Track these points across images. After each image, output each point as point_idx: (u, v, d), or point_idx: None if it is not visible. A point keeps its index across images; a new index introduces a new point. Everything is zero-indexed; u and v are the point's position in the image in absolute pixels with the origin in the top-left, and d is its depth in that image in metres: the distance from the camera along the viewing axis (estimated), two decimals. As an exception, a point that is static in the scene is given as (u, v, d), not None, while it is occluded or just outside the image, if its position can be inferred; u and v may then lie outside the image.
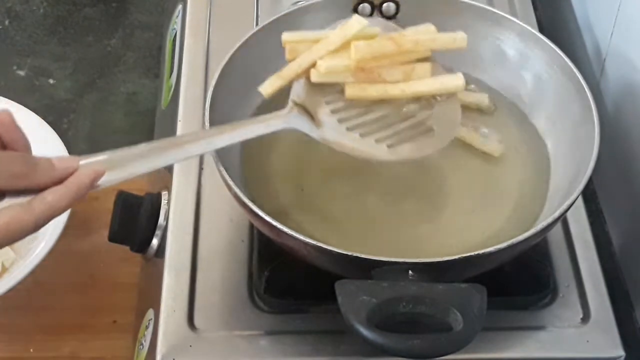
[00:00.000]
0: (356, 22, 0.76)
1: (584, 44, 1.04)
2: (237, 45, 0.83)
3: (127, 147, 0.67)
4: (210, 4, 1.05)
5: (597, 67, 1.00)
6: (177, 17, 1.08)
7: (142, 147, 0.68)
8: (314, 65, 0.76)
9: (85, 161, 0.65)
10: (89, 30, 1.54)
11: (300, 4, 0.88)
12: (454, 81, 0.77)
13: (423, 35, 0.78)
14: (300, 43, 0.77)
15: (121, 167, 0.66)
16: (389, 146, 0.74)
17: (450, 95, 0.78)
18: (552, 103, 0.85)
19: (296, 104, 0.75)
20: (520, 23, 0.87)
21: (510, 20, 0.87)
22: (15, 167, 0.62)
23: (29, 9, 1.56)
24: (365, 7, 0.90)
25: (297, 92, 0.76)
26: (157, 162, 0.68)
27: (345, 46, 0.76)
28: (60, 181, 0.64)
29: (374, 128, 0.75)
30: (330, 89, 0.76)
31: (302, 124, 0.74)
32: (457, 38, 0.78)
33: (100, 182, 0.65)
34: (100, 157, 0.66)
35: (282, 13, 0.87)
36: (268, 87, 0.77)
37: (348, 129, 0.74)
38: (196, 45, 1.01)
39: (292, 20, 0.86)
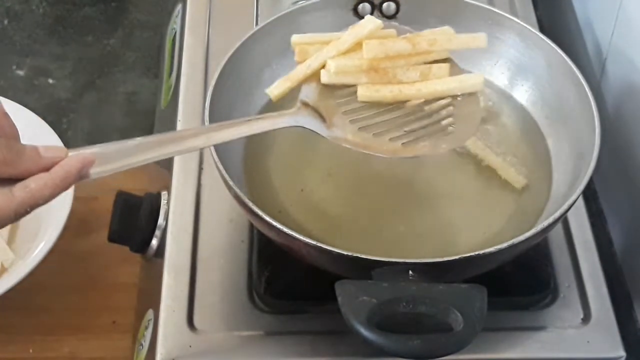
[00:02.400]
0: (369, 22, 0.75)
1: (585, 44, 1.03)
2: (237, 45, 0.83)
3: (124, 140, 0.65)
4: (210, 3, 1.05)
5: (597, 67, 1.00)
6: (176, 16, 1.08)
7: (139, 140, 0.66)
8: (324, 66, 0.75)
9: (74, 152, 0.63)
10: (89, 30, 1.54)
11: (300, 4, 0.88)
12: (473, 80, 0.76)
13: (440, 35, 0.76)
14: (310, 45, 0.76)
15: (114, 160, 0.64)
16: (403, 144, 0.72)
17: (470, 95, 0.76)
18: (553, 103, 0.85)
19: (306, 104, 0.74)
20: (521, 23, 0.87)
21: (511, 19, 0.87)
22: None
23: (29, 8, 1.56)
24: (365, 6, 0.90)
25: (307, 93, 0.74)
26: (153, 155, 0.66)
27: (357, 47, 0.74)
28: (46, 170, 0.62)
29: (388, 128, 0.73)
30: (343, 92, 0.75)
31: (310, 123, 0.73)
32: (477, 37, 0.77)
33: (92, 172, 0.63)
34: (93, 149, 0.64)
35: (282, 13, 0.87)
36: (275, 90, 0.76)
37: (360, 129, 0.73)
38: (196, 45, 1.00)
39: (292, 20, 0.86)
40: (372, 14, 0.90)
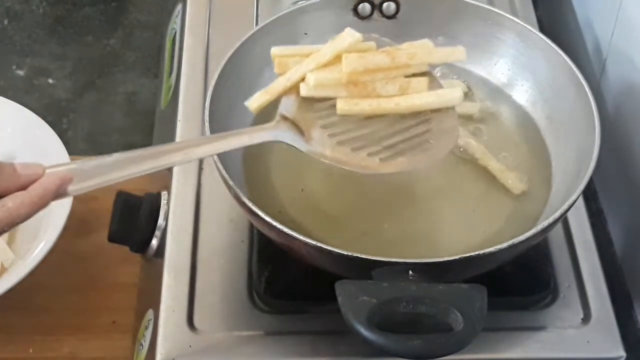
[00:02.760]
0: (349, 35, 0.75)
1: (585, 44, 1.03)
2: (237, 45, 0.83)
3: (101, 156, 0.65)
4: (210, 3, 1.05)
5: (597, 66, 1.00)
6: (176, 16, 1.08)
7: (116, 156, 0.66)
8: (303, 79, 0.75)
9: (52, 169, 0.63)
10: (89, 30, 1.54)
11: (300, 4, 0.88)
12: (451, 94, 0.76)
13: (419, 49, 0.77)
14: (290, 57, 0.76)
15: (93, 176, 0.64)
16: (381, 160, 0.73)
17: (448, 109, 0.76)
18: (553, 103, 0.85)
19: (285, 118, 0.74)
20: (521, 23, 0.87)
21: (511, 19, 0.87)
22: None
23: (29, 8, 1.56)
24: (366, 6, 0.90)
25: (287, 106, 0.75)
26: (131, 172, 0.66)
27: (336, 60, 0.75)
28: (23, 188, 0.61)
29: (366, 142, 0.73)
30: (322, 105, 0.75)
31: (289, 137, 0.73)
32: (456, 51, 0.78)
33: (70, 190, 0.63)
34: (70, 165, 0.64)
35: (282, 13, 0.87)
36: (255, 102, 0.76)
37: (339, 143, 0.73)
38: (196, 45, 1.00)
39: (292, 20, 0.86)
40: (372, 14, 0.90)
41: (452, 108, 0.76)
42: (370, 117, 0.74)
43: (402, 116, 0.75)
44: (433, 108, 0.75)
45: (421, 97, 0.75)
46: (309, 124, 0.74)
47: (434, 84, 0.77)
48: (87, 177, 0.64)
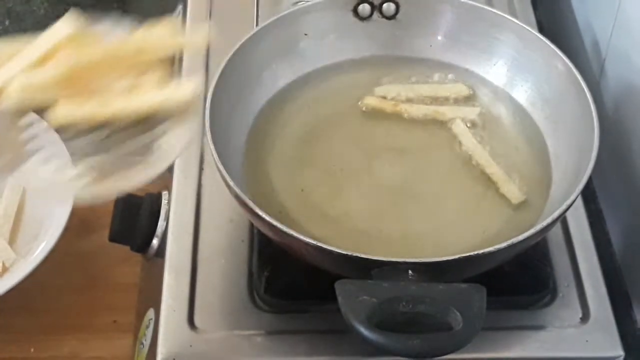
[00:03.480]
0: (64, 26, 0.63)
1: (584, 45, 1.04)
2: (237, 45, 0.83)
3: None
4: (210, 3, 1.05)
5: (596, 67, 1.00)
6: (176, 16, 1.08)
7: None
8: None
9: None
10: (89, 30, 1.54)
11: (300, 4, 0.88)
12: (183, 90, 0.64)
13: (154, 38, 0.65)
14: None
15: None
16: (90, 182, 0.62)
17: (189, 106, 0.64)
18: (552, 103, 0.85)
19: None
20: (520, 23, 0.87)
21: (510, 20, 0.87)
22: None
23: (30, 9, 1.56)
24: (365, 7, 0.90)
25: None
26: None
27: (49, 57, 0.62)
28: None
29: (76, 159, 0.62)
30: (28, 119, 0.64)
31: None
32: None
33: None
34: None
35: (283, 14, 0.87)
36: None
37: (44, 162, 0.63)
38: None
39: (292, 21, 0.87)
40: (371, 14, 0.90)
41: (194, 105, 0.64)
42: (93, 126, 0.62)
43: (131, 123, 0.63)
44: (164, 108, 0.63)
45: (146, 99, 0.62)
46: (9, 146, 0.63)
47: (170, 78, 0.64)
48: None
